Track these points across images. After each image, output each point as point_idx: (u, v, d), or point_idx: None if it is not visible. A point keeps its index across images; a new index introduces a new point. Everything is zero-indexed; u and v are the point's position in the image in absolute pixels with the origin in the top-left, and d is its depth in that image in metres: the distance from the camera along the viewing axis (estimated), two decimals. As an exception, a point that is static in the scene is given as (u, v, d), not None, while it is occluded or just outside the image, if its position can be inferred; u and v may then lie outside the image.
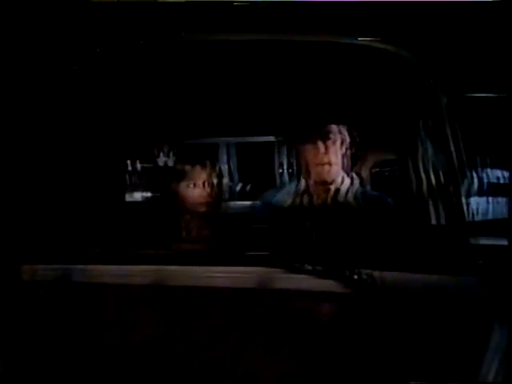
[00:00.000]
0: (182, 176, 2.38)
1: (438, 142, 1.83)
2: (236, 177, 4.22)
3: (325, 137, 2.20)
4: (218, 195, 2.40)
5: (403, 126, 2.03)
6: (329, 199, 2.22)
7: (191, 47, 1.96)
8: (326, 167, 2.21)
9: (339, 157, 2.22)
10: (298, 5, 1.84)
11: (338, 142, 2.21)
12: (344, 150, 2.23)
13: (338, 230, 2.10)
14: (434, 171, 1.86)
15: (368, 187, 2.29)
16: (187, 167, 2.39)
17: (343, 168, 2.25)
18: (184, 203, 2.37)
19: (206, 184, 2.36)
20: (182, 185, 2.37)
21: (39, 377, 1.83)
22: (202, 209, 2.36)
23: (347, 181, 2.24)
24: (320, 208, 2.22)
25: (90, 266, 1.84)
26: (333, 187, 2.22)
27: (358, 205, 2.18)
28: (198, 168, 2.38)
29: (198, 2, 1.85)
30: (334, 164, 2.21)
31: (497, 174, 1.95)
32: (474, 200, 1.84)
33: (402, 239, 1.91)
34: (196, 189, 2.36)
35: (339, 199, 2.20)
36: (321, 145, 2.19)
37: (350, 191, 2.22)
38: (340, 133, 2.22)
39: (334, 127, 2.21)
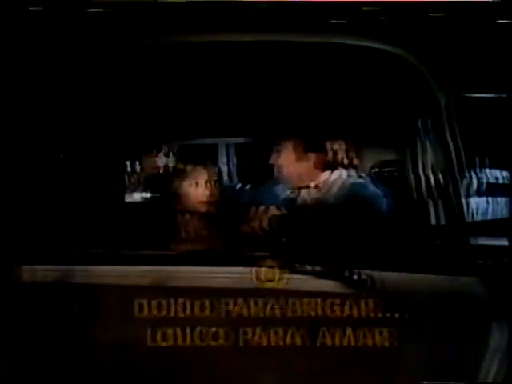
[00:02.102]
0: (183, 176, 2.38)
1: (438, 142, 1.83)
2: (236, 177, 4.22)
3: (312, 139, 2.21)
4: (218, 195, 2.40)
5: (403, 126, 2.03)
6: (309, 194, 2.21)
7: (191, 48, 1.96)
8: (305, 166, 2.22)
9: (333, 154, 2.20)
10: (298, 5, 1.84)
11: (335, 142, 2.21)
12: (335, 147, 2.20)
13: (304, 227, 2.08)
14: (433, 171, 1.86)
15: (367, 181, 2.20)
16: (189, 167, 2.39)
17: (338, 164, 2.21)
18: (186, 202, 2.37)
19: (208, 183, 2.36)
20: (184, 184, 2.37)
21: (39, 377, 1.83)
22: (204, 208, 2.36)
23: (338, 174, 2.20)
24: (301, 204, 2.23)
25: (89, 267, 1.84)
26: (322, 178, 2.20)
27: (339, 197, 2.14)
28: (199, 168, 2.38)
29: (198, 2, 1.85)
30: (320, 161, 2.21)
31: (496, 174, 1.96)
32: (473, 200, 1.84)
33: (402, 239, 1.91)
34: (198, 187, 2.36)
35: (318, 193, 2.19)
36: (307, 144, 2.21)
37: (339, 183, 2.18)
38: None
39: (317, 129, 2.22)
